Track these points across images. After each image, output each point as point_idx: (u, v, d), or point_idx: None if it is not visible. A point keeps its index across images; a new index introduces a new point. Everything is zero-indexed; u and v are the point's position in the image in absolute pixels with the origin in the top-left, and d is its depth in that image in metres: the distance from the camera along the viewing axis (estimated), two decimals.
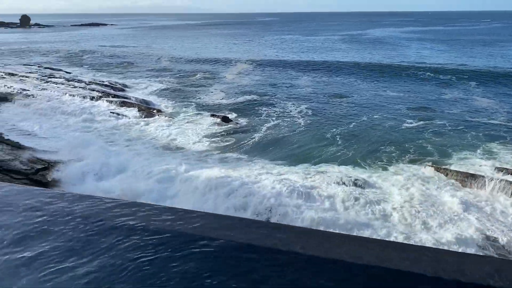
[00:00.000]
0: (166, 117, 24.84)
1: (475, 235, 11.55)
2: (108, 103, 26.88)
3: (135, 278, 1.42)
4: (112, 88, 31.96)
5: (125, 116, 24.67)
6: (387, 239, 10.70)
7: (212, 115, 24.73)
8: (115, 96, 28.86)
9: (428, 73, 38.87)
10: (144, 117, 24.51)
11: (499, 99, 29.49)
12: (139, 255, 1.52)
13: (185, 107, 27.68)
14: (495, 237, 11.42)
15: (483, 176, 14.97)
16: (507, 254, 10.95)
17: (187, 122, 24.35)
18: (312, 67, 43.59)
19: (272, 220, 12.46)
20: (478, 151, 18.95)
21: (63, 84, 32.22)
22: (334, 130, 22.77)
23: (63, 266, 1.46)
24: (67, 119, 23.81)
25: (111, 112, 25.22)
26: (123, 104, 26.86)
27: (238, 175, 15.57)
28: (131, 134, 21.71)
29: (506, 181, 14.33)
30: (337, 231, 11.68)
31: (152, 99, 29.96)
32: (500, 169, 15.82)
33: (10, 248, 1.58)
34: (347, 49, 65.75)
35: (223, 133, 22.25)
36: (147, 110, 25.86)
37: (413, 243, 10.84)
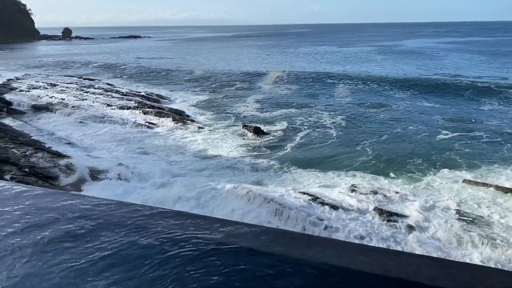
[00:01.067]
0: (200, 128, 25.21)
1: None
2: (143, 113, 27.58)
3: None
4: (148, 99, 32.80)
5: (160, 126, 25.23)
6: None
7: (244, 126, 24.89)
8: (150, 106, 29.60)
9: (465, 84, 37.76)
10: (179, 127, 24.96)
11: None
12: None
13: (219, 118, 28.04)
14: None
15: None
16: None
17: (221, 132, 24.63)
18: (347, 78, 43.17)
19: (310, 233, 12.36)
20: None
21: (101, 94, 33.36)
22: (369, 141, 22.60)
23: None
24: (103, 129, 24.57)
25: (146, 122, 25.85)
26: (158, 114, 27.48)
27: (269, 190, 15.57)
28: (166, 144, 22.14)
29: None
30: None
31: (187, 109, 30.52)
32: None
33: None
34: (382, 60, 64.86)
35: (254, 144, 22.35)
36: (181, 120, 26.34)
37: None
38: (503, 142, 21.58)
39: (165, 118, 26.64)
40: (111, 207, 2.02)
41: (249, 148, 21.64)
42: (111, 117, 26.42)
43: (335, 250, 1.64)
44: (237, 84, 42.32)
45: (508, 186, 15.17)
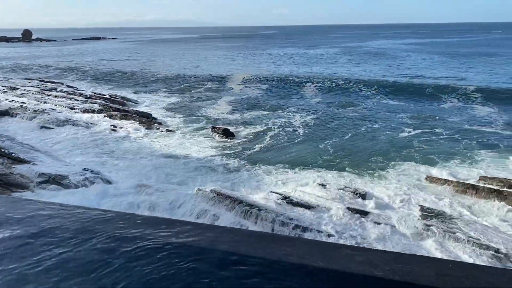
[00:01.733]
0: (168, 130, 24.90)
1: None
2: (108, 117, 26.99)
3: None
4: (112, 101, 32.12)
5: (126, 129, 24.75)
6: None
7: (213, 128, 24.77)
8: (116, 109, 29.00)
9: (427, 83, 39.01)
10: (146, 131, 24.56)
11: (498, 107, 29.57)
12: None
13: (189, 121, 27.80)
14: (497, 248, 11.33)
15: (478, 186, 14.93)
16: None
17: (190, 135, 24.42)
18: (315, 79, 43.68)
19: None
20: (471, 159, 19.13)
21: (64, 97, 32.43)
22: (336, 139, 23.22)
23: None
24: (66, 133, 23.87)
25: (111, 125, 25.31)
26: (124, 117, 26.97)
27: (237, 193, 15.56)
28: (132, 148, 21.74)
29: (496, 190, 14.28)
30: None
31: (155, 112, 30.08)
32: (483, 178, 15.77)
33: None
34: (348, 61, 66.05)
35: (224, 145, 22.31)
36: (148, 123, 25.94)
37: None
38: (460, 138, 22.54)
39: (131, 121, 26.17)
40: (71, 212, 1.98)
41: (219, 149, 21.58)
42: (74, 121, 25.72)
43: (292, 247, 1.65)
44: (206, 86, 42.09)
45: (468, 182, 15.74)
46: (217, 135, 23.81)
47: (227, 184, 16.94)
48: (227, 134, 23.94)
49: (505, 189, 14.38)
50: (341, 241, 11.85)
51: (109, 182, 16.59)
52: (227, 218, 13.64)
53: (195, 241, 1.65)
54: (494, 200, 14.19)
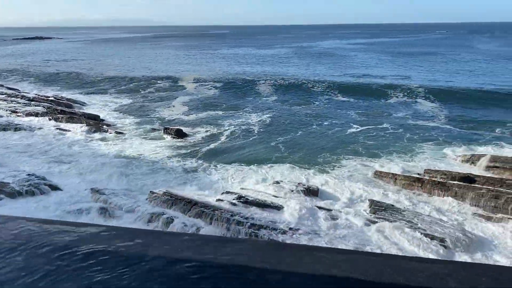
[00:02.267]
0: (119, 133, 24.19)
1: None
2: (54, 120, 25.86)
3: None
4: (58, 103, 30.76)
5: (73, 132, 23.80)
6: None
7: (166, 129, 24.34)
8: (61, 111, 27.81)
9: (375, 81, 40.47)
10: (93, 133, 23.73)
11: (439, 103, 31.14)
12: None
13: (141, 122, 27.13)
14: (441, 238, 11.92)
15: (423, 179, 15.67)
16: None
17: (141, 137, 23.84)
18: (269, 79, 43.95)
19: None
20: (415, 153, 20.09)
21: (5, 100, 30.69)
22: (290, 136, 23.71)
23: None
24: (8, 138, 22.62)
25: (57, 128, 24.26)
26: (71, 119, 25.94)
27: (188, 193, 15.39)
28: (79, 151, 20.91)
29: (440, 182, 15.08)
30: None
31: (106, 114, 29.12)
32: (428, 171, 16.60)
33: None
34: (299, 60, 67.10)
35: (177, 146, 21.98)
36: (96, 125, 25.08)
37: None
38: (404, 133, 23.65)
39: (78, 124, 25.18)
40: (11, 223, 1.89)
41: (172, 150, 21.23)
42: (17, 125, 24.40)
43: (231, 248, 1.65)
44: (158, 87, 41.27)
45: (414, 176, 16.46)
46: (169, 136, 23.42)
47: (181, 186, 16.73)
48: (181, 134, 23.63)
49: (448, 181, 15.16)
50: (294, 237, 12.03)
51: (57, 188, 15.90)
52: (182, 220, 13.47)
53: (129, 247, 1.61)
54: (438, 192, 14.94)
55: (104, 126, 25.19)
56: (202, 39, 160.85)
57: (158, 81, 43.83)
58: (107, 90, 39.88)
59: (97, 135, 23.40)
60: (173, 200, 14.32)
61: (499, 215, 13.24)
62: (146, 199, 15.00)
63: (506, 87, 36.57)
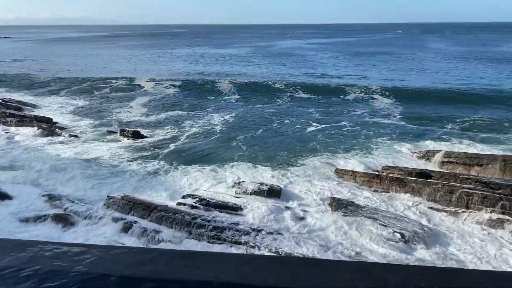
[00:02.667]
0: (73, 135, 23.21)
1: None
2: (1, 123, 24.52)
3: None
4: (7, 106, 29.15)
5: (23, 136, 22.62)
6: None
7: (123, 131, 23.61)
8: (11, 114, 26.38)
9: (333, 81, 41.26)
10: (46, 136, 22.65)
11: (394, 101, 32.08)
12: None
13: (95, 124, 26.19)
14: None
15: (382, 175, 16.04)
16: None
17: (96, 139, 23.00)
18: (228, 79, 43.71)
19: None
20: (372, 149, 20.60)
21: None
22: (251, 135, 23.76)
23: None
24: None
25: (6, 133, 22.99)
26: (21, 123, 24.66)
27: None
28: (30, 156, 19.88)
29: (398, 178, 15.50)
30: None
31: (56, 116, 27.86)
32: (386, 167, 17.02)
33: None
34: (259, 59, 67.28)
35: (136, 148, 21.36)
36: (49, 129, 23.97)
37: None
38: (362, 131, 24.24)
39: (29, 127, 23.96)
40: None
41: (131, 153, 20.59)
42: None
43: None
44: (114, 87, 40.03)
45: (373, 172, 16.80)
46: (127, 139, 22.73)
47: (140, 189, 16.25)
48: (139, 136, 23.00)
49: (405, 177, 15.57)
50: (258, 238, 11.95)
51: (6, 196, 15.02)
52: (141, 225, 13.07)
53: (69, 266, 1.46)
54: (396, 188, 15.32)
55: (58, 130, 24.13)
56: (159, 39, 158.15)
57: (114, 82, 42.56)
58: (60, 92, 38.31)
59: (50, 139, 22.34)
60: (132, 205, 13.87)
61: (454, 209, 13.74)
62: (104, 204, 14.46)
63: (455, 85, 38.26)
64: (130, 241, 12.49)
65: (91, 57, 74.70)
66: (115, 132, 23.95)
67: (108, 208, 14.14)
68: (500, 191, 13.66)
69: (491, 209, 13.14)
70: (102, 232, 12.85)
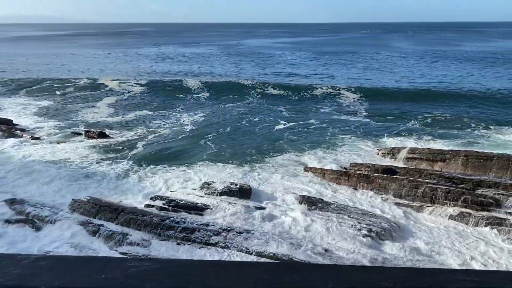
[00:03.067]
0: (35, 137, 22.37)
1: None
2: None
3: None
4: None
5: None
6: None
7: (88, 132, 22.97)
8: None
9: (301, 80, 41.67)
10: (5, 139, 21.73)
11: (360, 99, 32.70)
12: None
13: (59, 126, 25.36)
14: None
15: (349, 172, 16.31)
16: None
17: (58, 141, 22.25)
18: (197, 78, 43.39)
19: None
20: (340, 147, 20.98)
21: None
22: (219, 133, 23.90)
23: None
24: None
25: None
26: None
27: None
28: None
29: (365, 175, 15.81)
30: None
31: (15, 117, 26.77)
32: (354, 164, 17.34)
33: None
34: (226, 58, 67.07)
35: (102, 149, 20.80)
36: (8, 130, 23.02)
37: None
38: (327, 127, 24.72)
39: None
40: None
41: (96, 154, 20.03)
42: None
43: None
44: (79, 88, 38.82)
45: (341, 170, 17.04)
46: (92, 140, 22.13)
47: (107, 192, 15.84)
48: (104, 137, 22.45)
49: (372, 173, 15.88)
50: (228, 238, 11.87)
51: None
52: (109, 228, 12.74)
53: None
54: (363, 185, 15.59)
55: (18, 131, 23.21)
56: (124, 37, 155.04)
57: (78, 82, 41.33)
58: (21, 92, 36.89)
59: (10, 141, 21.45)
60: (98, 208, 13.51)
61: (419, 204, 14.11)
62: (69, 208, 14.01)
63: (419, 83, 39.40)
64: (97, 245, 12.15)
65: (54, 56, 72.33)
66: (80, 134, 23.28)
67: (74, 212, 13.71)
68: (463, 185, 14.15)
69: (454, 203, 13.58)
70: (68, 236, 12.44)
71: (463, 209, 13.28)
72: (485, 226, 12.52)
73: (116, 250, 11.82)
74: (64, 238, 12.21)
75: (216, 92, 36.39)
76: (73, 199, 14.35)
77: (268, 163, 18.91)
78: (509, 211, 13.00)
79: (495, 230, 12.30)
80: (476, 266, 10.84)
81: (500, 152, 17.47)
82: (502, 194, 13.46)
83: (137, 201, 14.78)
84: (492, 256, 11.26)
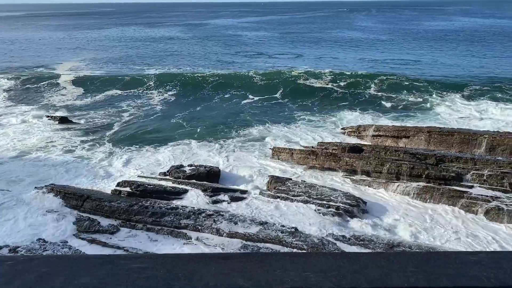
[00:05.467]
0: None
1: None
2: None
3: None
4: None
5: None
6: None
7: (49, 117, 22.14)
8: None
9: (268, 60, 41.61)
10: None
11: (327, 79, 32.92)
12: None
13: (20, 110, 24.33)
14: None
15: (317, 151, 16.50)
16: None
17: (18, 127, 21.35)
18: (162, 57, 42.53)
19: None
20: (307, 126, 21.17)
21: None
22: (186, 113, 24.09)
23: None
24: None
25: None
26: None
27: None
28: None
29: (332, 153, 16.05)
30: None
31: None
32: (321, 144, 17.61)
33: None
34: (190, 38, 65.80)
35: (64, 134, 20.14)
36: None
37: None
38: (294, 107, 25.03)
39: None
40: None
41: (59, 140, 19.40)
42: None
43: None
44: (39, 71, 37.18)
45: (308, 149, 17.18)
46: (54, 124, 21.37)
47: (71, 178, 15.40)
48: (67, 121, 21.71)
49: (339, 152, 16.09)
50: (198, 221, 11.82)
51: None
52: (75, 216, 12.42)
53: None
54: (331, 163, 15.81)
55: None
56: (85, 19, 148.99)
57: (39, 65, 39.59)
58: None
59: None
60: (63, 196, 13.11)
61: (384, 180, 14.46)
62: (31, 197, 13.52)
63: (383, 65, 40.04)
64: (63, 233, 11.82)
65: (7, 40, 68.78)
66: (41, 118, 22.42)
67: (36, 200, 13.25)
68: (426, 161, 14.58)
69: (419, 178, 14.00)
70: (30, 225, 12.03)
71: (427, 184, 13.72)
72: (447, 199, 12.98)
73: (83, 238, 11.54)
74: (27, 229, 11.80)
75: (184, 73, 35.78)
76: (35, 187, 13.87)
77: (236, 142, 19.02)
78: (469, 184, 13.52)
79: (456, 203, 12.79)
80: (440, 238, 11.26)
81: (460, 127, 18.15)
82: (463, 168, 13.97)
83: (103, 187, 14.47)
84: (456, 227, 11.72)
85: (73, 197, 12.93)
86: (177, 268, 1.32)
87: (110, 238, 11.61)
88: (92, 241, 11.40)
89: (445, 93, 26.80)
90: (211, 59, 42.32)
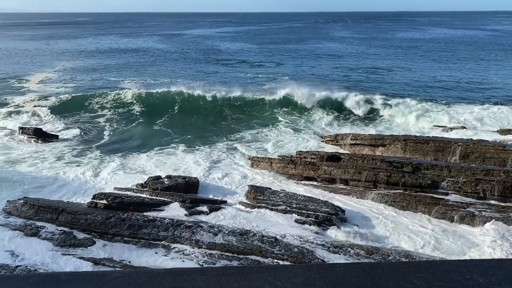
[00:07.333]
0: None
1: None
2: None
3: None
4: None
5: None
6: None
7: (22, 129, 21.57)
8: None
9: (251, 69, 41.84)
10: None
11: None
12: None
13: None
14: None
15: (296, 160, 16.59)
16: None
17: None
18: (135, 69, 42.20)
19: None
20: (286, 137, 21.26)
21: None
22: (165, 118, 23.62)
23: None
24: None
25: None
26: None
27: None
28: None
29: (311, 162, 16.16)
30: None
31: None
32: (300, 153, 17.73)
33: None
34: (168, 46, 65.53)
35: (37, 145, 19.65)
36: None
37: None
38: (273, 117, 25.02)
39: None
40: None
41: (32, 151, 18.92)
42: None
43: None
44: (11, 84, 36.33)
45: (288, 158, 17.25)
46: (27, 136, 20.83)
47: (45, 191, 15.02)
48: (41, 134, 21.18)
49: (318, 161, 16.21)
50: (176, 233, 11.67)
51: None
52: (49, 230, 12.08)
53: None
54: (310, 172, 15.89)
55: None
56: (60, 28, 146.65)
57: (12, 78, 38.66)
58: None
59: None
60: (37, 209, 12.75)
61: (362, 188, 14.62)
62: (3, 210, 13.12)
63: (363, 74, 40.76)
64: (37, 248, 11.46)
65: None
66: (12, 130, 21.86)
67: (9, 215, 12.85)
68: (403, 169, 14.82)
69: (396, 186, 14.21)
70: (5, 241, 11.63)
71: (404, 192, 13.93)
72: (424, 206, 13.20)
73: (57, 252, 11.23)
74: (0, 245, 11.40)
75: (160, 84, 35.61)
76: (7, 201, 13.45)
77: (216, 150, 19.05)
78: (445, 191, 13.79)
79: (432, 210, 13.01)
80: (416, 245, 11.41)
81: (434, 135, 18.59)
82: (439, 176, 14.25)
83: (79, 200, 14.17)
84: (432, 233, 11.90)
85: (48, 210, 12.59)
86: (151, 284, 1.30)
87: (86, 251, 11.34)
88: (67, 255, 11.10)
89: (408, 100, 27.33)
90: (191, 69, 42.26)
